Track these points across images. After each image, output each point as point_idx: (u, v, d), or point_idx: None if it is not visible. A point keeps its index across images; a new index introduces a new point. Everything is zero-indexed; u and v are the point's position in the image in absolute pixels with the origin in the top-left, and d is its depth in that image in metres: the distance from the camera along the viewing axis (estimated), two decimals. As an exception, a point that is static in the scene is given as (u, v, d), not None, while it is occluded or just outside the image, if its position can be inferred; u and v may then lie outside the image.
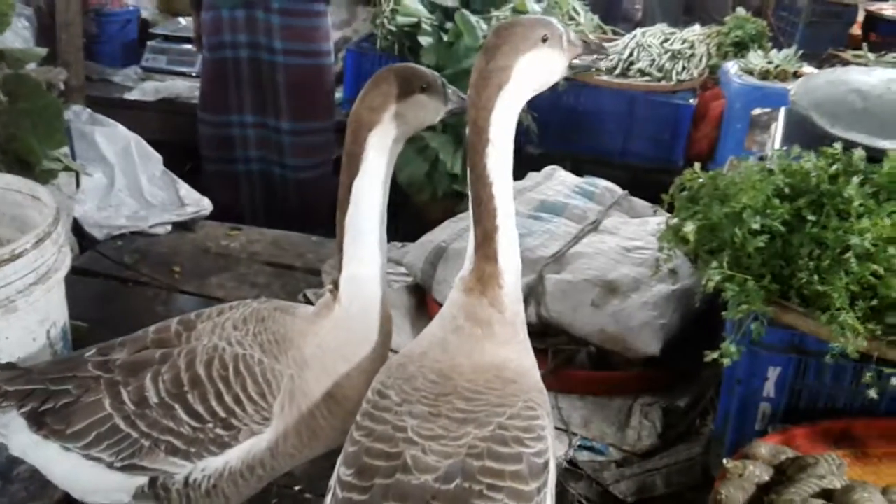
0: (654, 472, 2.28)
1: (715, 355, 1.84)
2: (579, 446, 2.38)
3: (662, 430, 2.39)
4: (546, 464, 1.44)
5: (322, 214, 4.17)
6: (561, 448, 2.35)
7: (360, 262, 1.67)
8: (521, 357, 1.58)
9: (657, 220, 3.02)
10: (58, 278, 2.00)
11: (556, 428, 2.41)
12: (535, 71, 1.48)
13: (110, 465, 1.68)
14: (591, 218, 3.00)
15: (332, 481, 1.46)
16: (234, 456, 1.68)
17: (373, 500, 1.36)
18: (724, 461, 1.74)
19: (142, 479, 1.70)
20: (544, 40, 1.48)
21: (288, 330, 1.72)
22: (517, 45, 1.47)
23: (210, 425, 1.65)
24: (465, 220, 3.05)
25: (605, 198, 3.18)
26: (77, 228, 3.47)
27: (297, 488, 2.25)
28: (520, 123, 1.58)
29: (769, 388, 2.02)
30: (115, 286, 3.20)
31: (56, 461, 1.73)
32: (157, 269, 3.30)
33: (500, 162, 1.47)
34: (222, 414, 1.65)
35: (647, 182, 4.24)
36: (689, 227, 1.90)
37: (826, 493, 1.58)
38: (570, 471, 2.31)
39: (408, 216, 4.40)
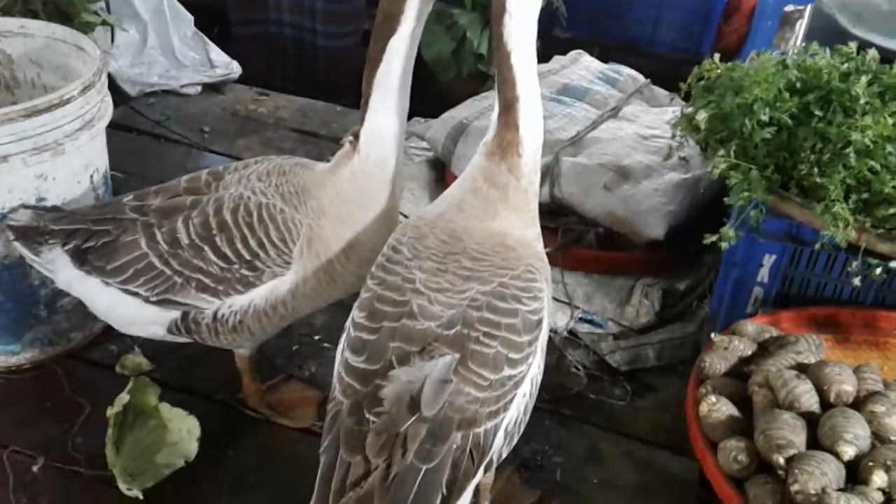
0: (647, 345, 2.44)
1: (714, 238, 1.95)
2: (580, 319, 2.53)
3: (660, 309, 2.54)
4: (539, 321, 1.58)
5: (347, 84, 4.22)
6: (563, 319, 2.50)
7: (384, 115, 1.77)
8: (526, 227, 1.69)
9: (675, 110, 3.08)
10: (100, 126, 2.11)
11: (560, 301, 2.56)
12: None
13: (146, 300, 1.84)
14: (611, 104, 3.06)
15: (348, 323, 1.61)
16: (258, 295, 1.83)
17: (380, 340, 1.51)
18: (712, 335, 1.88)
19: (175, 313, 1.87)
20: None
21: (307, 182, 1.84)
22: None
23: (236, 266, 1.80)
24: (489, 98, 3.12)
25: (627, 85, 3.23)
26: (111, 83, 3.55)
27: (316, 337, 2.43)
28: (549, 5, 1.64)
29: (763, 274, 2.14)
30: (148, 141, 3.32)
31: (98, 295, 1.89)
32: (187, 127, 3.42)
33: (519, 33, 1.55)
34: (247, 256, 1.79)
35: (672, 73, 4.18)
36: (702, 116, 1.97)
37: (801, 367, 1.71)
38: (570, 340, 2.48)
39: (431, 95, 4.43)
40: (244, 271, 1.80)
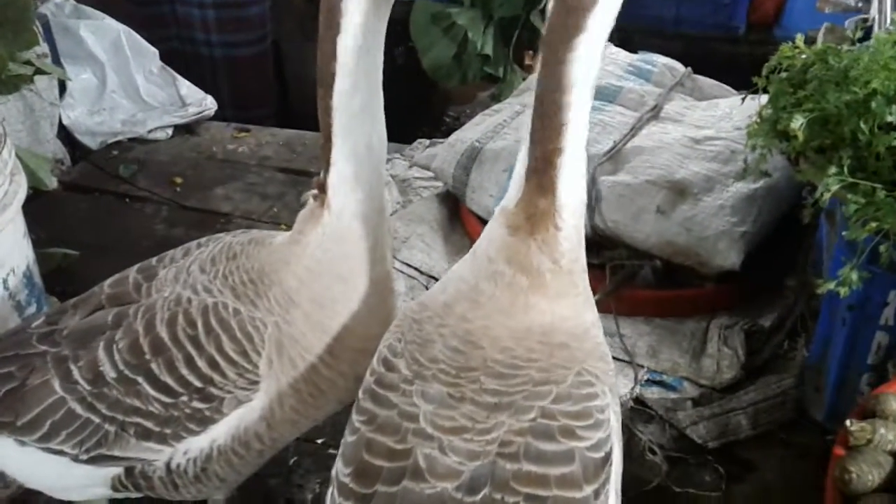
0: (738, 410, 1.93)
1: (831, 286, 1.44)
2: (647, 381, 2.03)
3: (745, 358, 2.02)
4: (607, 456, 1.10)
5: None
6: (626, 385, 2.00)
7: (353, 154, 1.27)
8: (579, 314, 1.20)
9: (728, 103, 2.57)
10: (9, 216, 1.65)
11: (620, 360, 2.06)
12: None
13: (76, 458, 1.36)
14: (649, 103, 2.55)
15: (332, 474, 1.14)
16: (220, 432, 1.35)
17: None
18: (847, 423, 1.37)
19: (116, 470, 1.38)
20: None
21: (264, 263, 1.35)
22: None
23: (184, 398, 1.31)
24: (501, 112, 2.62)
25: (664, 77, 2.72)
26: (68, 137, 3.12)
27: (319, 441, 1.94)
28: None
29: (888, 315, 1.64)
30: (111, 202, 2.85)
31: (13, 458, 1.41)
32: (156, 180, 2.95)
33: (589, 58, 1.06)
34: (197, 383, 1.31)
35: (704, 53, 3.81)
36: (797, 122, 1.46)
37: None
38: (637, 411, 1.97)
39: (436, 106, 3.98)
40: (196, 404, 1.32)
